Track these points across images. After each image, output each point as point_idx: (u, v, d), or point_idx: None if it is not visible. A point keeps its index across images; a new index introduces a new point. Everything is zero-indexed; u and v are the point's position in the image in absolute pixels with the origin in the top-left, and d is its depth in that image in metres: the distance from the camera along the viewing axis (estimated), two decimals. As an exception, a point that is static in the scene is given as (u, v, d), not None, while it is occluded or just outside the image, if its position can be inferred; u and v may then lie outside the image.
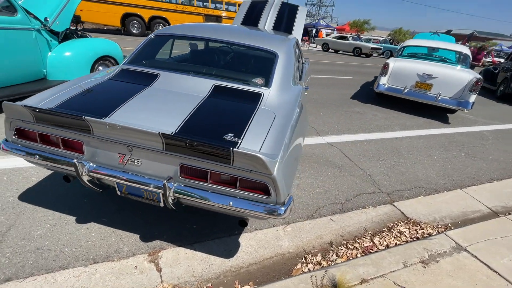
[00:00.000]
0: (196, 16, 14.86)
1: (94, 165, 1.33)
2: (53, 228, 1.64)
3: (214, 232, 1.76)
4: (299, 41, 3.75)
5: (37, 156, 1.36)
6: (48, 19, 3.48)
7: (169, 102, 1.51)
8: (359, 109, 4.99)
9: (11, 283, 1.31)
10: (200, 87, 1.69)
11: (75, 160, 1.27)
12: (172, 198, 1.27)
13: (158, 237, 1.68)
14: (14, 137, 1.40)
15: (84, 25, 15.16)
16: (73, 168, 1.28)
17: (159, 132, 1.13)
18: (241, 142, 1.25)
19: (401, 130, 4.13)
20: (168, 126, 1.29)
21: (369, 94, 6.25)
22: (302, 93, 2.14)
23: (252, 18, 4.28)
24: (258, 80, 1.85)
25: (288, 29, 4.05)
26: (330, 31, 29.52)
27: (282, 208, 1.22)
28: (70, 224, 1.69)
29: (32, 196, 1.87)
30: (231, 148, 1.08)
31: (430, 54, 5.91)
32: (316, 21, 31.06)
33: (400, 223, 2.10)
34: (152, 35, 2.09)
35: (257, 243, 1.73)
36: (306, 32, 27.81)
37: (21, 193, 1.88)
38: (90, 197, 1.91)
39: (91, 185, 1.37)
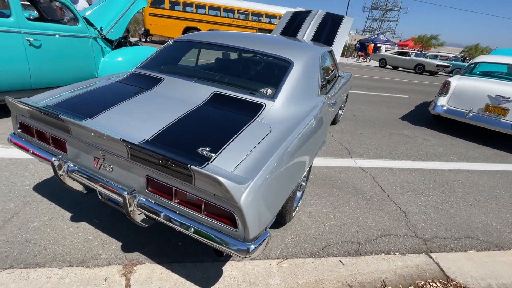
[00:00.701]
0: (250, 30, 15.51)
1: (75, 166, 1.29)
2: (48, 222, 1.68)
3: (198, 253, 1.59)
4: (334, 52, 3.45)
5: (31, 151, 1.39)
6: (103, 28, 3.88)
7: (159, 107, 1.42)
8: (408, 131, 4.34)
9: (-11, 273, 1.33)
10: (199, 94, 1.57)
11: (53, 158, 1.25)
12: (138, 212, 1.15)
13: (140, 248, 1.58)
14: (18, 130, 1.47)
15: (152, 37, 17.20)
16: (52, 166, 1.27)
17: (120, 139, 1.02)
18: (214, 159, 1.06)
19: (459, 161, 3.41)
20: (144, 132, 1.19)
21: (424, 116, 5.45)
22: (324, 107, 1.88)
23: (291, 29, 4.13)
24: (267, 90, 1.66)
25: (329, 40, 3.78)
26: (390, 46, 27.64)
27: (252, 246, 0.98)
28: (64, 221, 1.71)
29: (45, 187, 1.98)
30: (189, 165, 0.91)
31: (510, 74, 4.90)
32: (375, 36, 29.45)
33: (435, 283, 1.62)
34: (171, 41, 2.09)
35: (242, 276, 1.50)
36: (363, 47, 26.56)
37: (37, 183, 2.01)
38: (92, 196, 1.93)
39: (69, 185, 1.33)
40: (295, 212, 1.90)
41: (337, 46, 3.75)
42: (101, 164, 1.22)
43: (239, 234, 0.99)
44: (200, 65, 2.12)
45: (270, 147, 1.18)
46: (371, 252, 1.77)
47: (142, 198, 1.13)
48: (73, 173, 1.28)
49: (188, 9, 15.31)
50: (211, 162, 1.04)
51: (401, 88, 9.29)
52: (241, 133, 1.25)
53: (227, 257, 1.59)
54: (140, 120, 1.29)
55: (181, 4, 15.06)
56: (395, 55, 17.75)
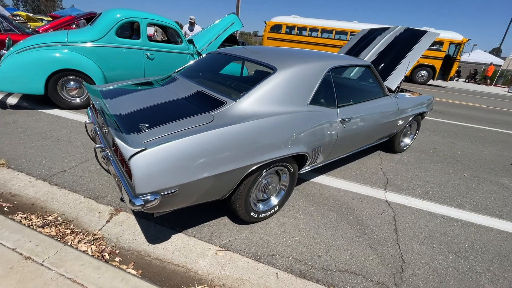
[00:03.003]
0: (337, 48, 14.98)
1: (97, 129, 1.94)
2: (98, 168, 2.47)
3: (164, 219, 1.94)
4: (402, 69, 3.08)
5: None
6: (197, 46, 4.99)
7: (154, 97, 1.89)
8: (510, 181, 3.15)
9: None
10: (188, 90, 1.96)
11: (86, 120, 1.94)
12: (104, 162, 1.63)
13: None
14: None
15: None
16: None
17: (100, 110, 1.53)
18: (143, 131, 1.40)
19: None
20: (125, 110, 1.67)
21: None
22: (311, 117, 1.89)
23: (359, 47, 3.97)
24: (240, 92, 1.85)
25: (400, 54, 3.42)
26: None
27: (137, 200, 1.25)
28: (104, 171, 2.46)
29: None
30: (110, 130, 1.28)
31: None
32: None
33: None
34: (204, 54, 2.61)
35: (181, 247, 1.72)
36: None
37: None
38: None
39: (95, 142, 2.00)
40: (259, 215, 1.93)
41: (406, 64, 3.29)
42: (103, 128, 1.80)
43: (132, 187, 1.27)
44: (210, 71, 2.51)
45: (195, 131, 1.40)
46: (318, 281, 1.58)
47: (108, 153, 1.61)
48: (95, 133, 1.93)
49: (303, 32, 16.41)
50: (138, 133, 1.38)
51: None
52: (185, 118, 1.53)
53: (182, 229, 1.85)
54: (134, 103, 1.80)
55: (296, 28, 16.32)
56: None
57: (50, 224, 1.79)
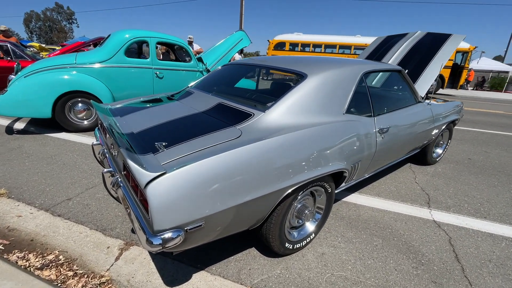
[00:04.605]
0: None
1: (105, 150, 1.72)
2: (107, 196, 2.22)
3: (183, 255, 1.64)
4: (429, 75, 2.85)
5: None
6: (207, 64, 4.89)
7: (168, 113, 1.68)
8: None
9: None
10: (207, 103, 1.74)
11: (93, 142, 1.72)
12: (114, 189, 1.38)
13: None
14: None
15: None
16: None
17: (109, 129, 1.31)
18: (161, 151, 1.16)
19: None
20: (139, 128, 1.45)
21: None
22: (349, 127, 1.64)
23: (378, 54, 3.77)
24: (267, 102, 1.62)
25: (425, 60, 3.20)
26: None
27: (155, 239, 0.98)
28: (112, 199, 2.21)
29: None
30: (121, 150, 1.05)
31: None
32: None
33: None
34: (220, 66, 2.43)
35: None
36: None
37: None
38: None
39: (102, 165, 1.76)
40: (295, 245, 1.63)
41: (433, 69, 3.05)
42: (112, 150, 1.57)
43: (149, 222, 1.01)
44: (227, 83, 2.31)
45: (223, 148, 1.15)
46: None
47: (119, 179, 1.36)
48: (103, 156, 1.70)
49: (306, 49, 16.56)
50: (155, 153, 1.14)
51: None
52: (208, 134, 1.29)
53: (203, 266, 1.56)
54: (148, 120, 1.58)
55: (300, 45, 16.50)
56: None
57: (50, 264, 1.52)
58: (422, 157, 3.16)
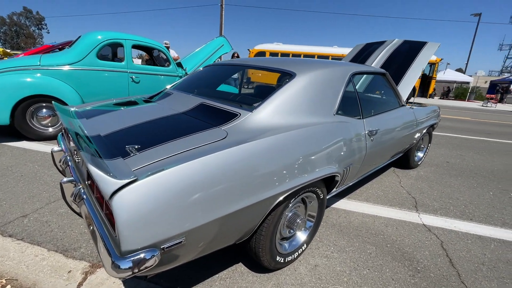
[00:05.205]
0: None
1: (67, 157, 1.49)
2: (69, 212, 1.95)
3: (162, 275, 1.43)
4: (408, 81, 2.90)
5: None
6: (186, 69, 4.72)
7: (144, 114, 1.50)
8: (539, 192, 2.90)
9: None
10: (187, 104, 1.58)
11: (54, 148, 1.48)
12: (76, 203, 1.17)
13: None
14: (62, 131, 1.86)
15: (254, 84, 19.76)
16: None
17: (72, 132, 1.10)
18: (133, 155, 0.98)
19: None
20: (108, 130, 1.26)
21: None
22: (338, 129, 1.54)
23: (358, 61, 3.82)
24: (254, 102, 1.49)
25: (403, 67, 3.25)
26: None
27: (123, 262, 0.79)
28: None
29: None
30: (81, 154, 0.86)
31: None
32: (516, 75, 23.24)
33: None
34: (201, 67, 2.29)
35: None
36: (495, 89, 21.36)
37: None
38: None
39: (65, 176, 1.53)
40: (286, 259, 1.49)
41: (411, 76, 3.12)
42: (75, 156, 1.35)
43: (115, 242, 0.82)
44: (210, 84, 2.17)
45: (207, 151, 1.00)
46: None
47: (81, 190, 1.15)
48: (65, 164, 1.47)
49: (285, 58, 16.85)
50: (125, 158, 0.96)
51: (550, 137, 6.60)
52: (189, 135, 1.13)
53: (184, 287, 1.36)
54: (119, 122, 1.38)
55: (279, 54, 16.77)
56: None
57: (-6, 297, 1.25)
58: (405, 161, 3.18)
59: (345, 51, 15.73)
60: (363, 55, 3.84)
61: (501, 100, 20.69)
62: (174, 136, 1.13)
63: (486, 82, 28.03)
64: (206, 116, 1.40)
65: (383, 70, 2.36)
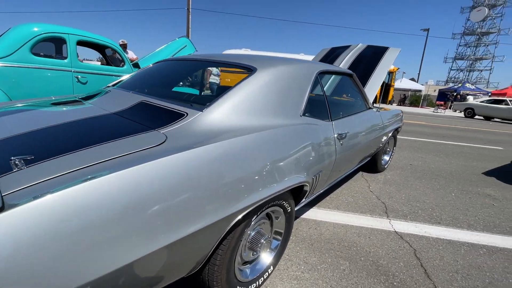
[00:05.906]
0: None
1: None
2: None
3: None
4: (373, 86, 2.87)
5: None
6: (144, 69, 4.32)
7: (57, 115, 1.17)
8: (493, 191, 3.04)
9: None
10: (123, 103, 1.28)
11: None
12: None
13: None
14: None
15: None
16: None
17: None
18: (16, 170, 0.67)
19: None
20: (10, 133, 0.92)
21: (527, 173, 3.86)
22: (307, 132, 1.35)
23: (326, 63, 3.76)
24: (206, 101, 1.25)
25: (367, 73, 3.23)
26: (481, 95, 23.80)
27: None
28: None
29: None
30: None
31: None
32: (459, 85, 26.06)
33: None
34: (151, 64, 1.98)
35: None
36: (445, 97, 23.65)
37: None
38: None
39: None
40: (250, 286, 1.24)
41: (376, 79, 3.13)
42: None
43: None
44: (160, 81, 1.89)
45: (131, 162, 0.72)
46: None
47: None
48: None
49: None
50: (1, 175, 0.65)
51: (492, 139, 7.30)
52: (113, 141, 0.85)
53: None
54: (15, 127, 1.03)
55: (248, 60, 16.79)
56: (486, 104, 14.88)
57: None
58: (372, 165, 3.15)
59: (310, 58, 16.24)
60: (329, 58, 3.81)
61: (450, 107, 22.95)
62: (89, 143, 0.83)
63: (435, 90, 30.98)
64: (143, 117, 1.12)
65: (350, 71, 2.28)
